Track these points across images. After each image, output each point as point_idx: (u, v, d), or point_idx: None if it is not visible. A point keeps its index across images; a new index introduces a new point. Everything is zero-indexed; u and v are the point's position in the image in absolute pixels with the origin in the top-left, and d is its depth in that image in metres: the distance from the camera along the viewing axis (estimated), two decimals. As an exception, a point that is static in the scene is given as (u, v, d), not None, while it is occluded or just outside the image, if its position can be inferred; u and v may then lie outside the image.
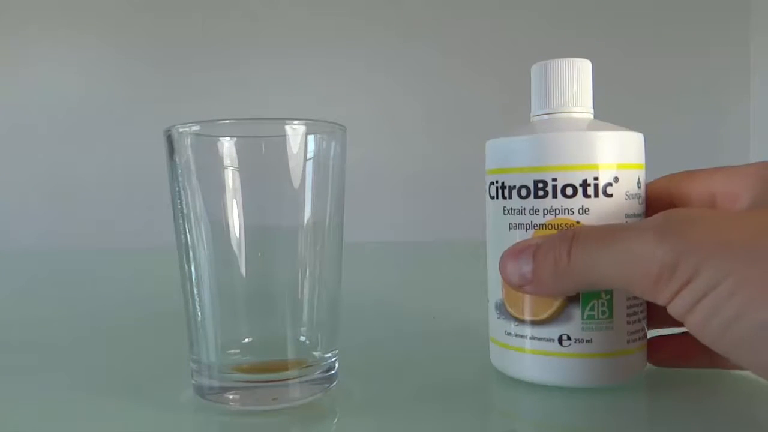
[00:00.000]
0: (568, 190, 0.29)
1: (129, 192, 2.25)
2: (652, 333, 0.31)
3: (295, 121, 0.28)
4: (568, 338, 0.29)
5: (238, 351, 0.29)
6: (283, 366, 0.29)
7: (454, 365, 0.34)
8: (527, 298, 0.30)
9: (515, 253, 0.28)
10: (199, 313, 0.29)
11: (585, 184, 0.28)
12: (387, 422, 0.27)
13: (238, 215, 0.28)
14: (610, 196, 0.29)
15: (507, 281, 0.28)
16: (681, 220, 0.24)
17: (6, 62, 2.26)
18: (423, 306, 0.56)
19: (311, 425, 0.28)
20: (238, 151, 0.28)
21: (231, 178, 0.28)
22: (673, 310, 0.23)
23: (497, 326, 0.31)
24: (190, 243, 0.29)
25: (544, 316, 0.29)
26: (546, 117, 0.31)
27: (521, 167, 0.30)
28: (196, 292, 0.29)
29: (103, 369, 0.36)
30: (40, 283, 0.77)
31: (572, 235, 0.26)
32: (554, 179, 0.29)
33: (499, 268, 0.28)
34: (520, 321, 0.30)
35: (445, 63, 2.38)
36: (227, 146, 0.28)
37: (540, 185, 0.29)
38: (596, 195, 0.29)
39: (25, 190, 2.26)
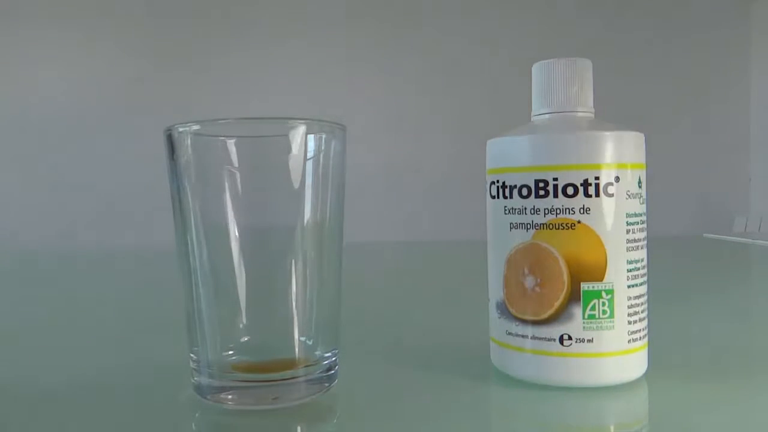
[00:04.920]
0: (569, 190, 0.29)
1: (129, 191, 2.25)
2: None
3: (295, 121, 0.28)
4: (569, 338, 0.29)
5: (238, 350, 0.29)
6: (283, 365, 0.28)
7: (454, 365, 0.34)
8: (529, 297, 0.30)
9: None
10: (199, 313, 0.29)
11: (586, 184, 0.28)
12: (387, 422, 0.27)
13: (238, 215, 0.28)
14: (611, 195, 0.29)
15: None
16: None
17: (6, 62, 2.26)
18: (423, 306, 0.55)
19: (311, 425, 0.28)
20: (238, 151, 0.28)
21: (231, 178, 0.28)
22: None
23: (498, 326, 0.31)
24: (190, 242, 0.29)
25: (545, 315, 0.29)
26: (547, 117, 0.31)
27: (522, 167, 0.30)
28: (196, 291, 0.29)
29: (103, 368, 0.36)
30: (40, 282, 0.77)
31: None
32: (555, 179, 0.29)
33: None
34: (521, 321, 0.30)
35: (445, 63, 2.38)
36: (227, 146, 0.28)
37: (541, 185, 0.29)
38: (597, 194, 0.29)
39: (25, 190, 2.26)
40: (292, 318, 0.29)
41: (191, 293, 0.29)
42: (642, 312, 0.30)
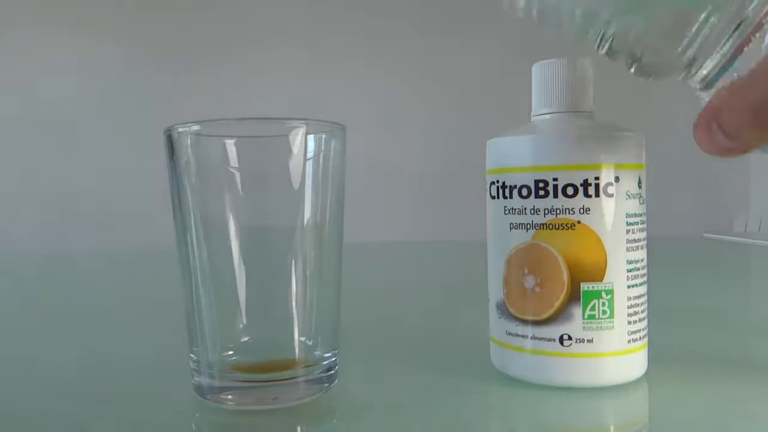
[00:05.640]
0: (569, 190, 0.29)
1: (129, 192, 2.25)
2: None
3: (295, 121, 0.28)
4: (569, 338, 0.29)
5: (238, 350, 0.29)
6: (283, 366, 0.29)
7: (454, 365, 0.34)
8: (529, 297, 0.30)
9: (702, 123, 0.24)
10: (199, 313, 0.29)
11: (586, 184, 0.28)
12: (387, 422, 0.27)
13: (238, 215, 0.28)
14: (611, 195, 0.29)
15: (713, 150, 0.24)
16: None
17: (5, 61, 2.26)
18: (423, 306, 0.56)
19: (311, 425, 0.28)
20: (238, 151, 0.28)
21: (231, 178, 0.28)
22: None
23: (498, 326, 0.31)
24: (190, 243, 0.29)
25: (545, 315, 0.29)
26: (547, 117, 0.31)
27: (522, 167, 0.30)
28: (196, 291, 0.29)
29: (103, 369, 0.36)
30: (41, 283, 0.77)
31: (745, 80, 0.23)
32: (555, 179, 0.29)
33: (698, 143, 0.24)
34: (521, 321, 0.30)
35: (445, 63, 2.38)
36: (227, 146, 0.28)
37: (541, 185, 0.29)
38: (597, 195, 0.29)
39: (24, 191, 2.26)
40: (292, 318, 0.29)
41: (191, 293, 0.29)
42: (642, 312, 0.30)
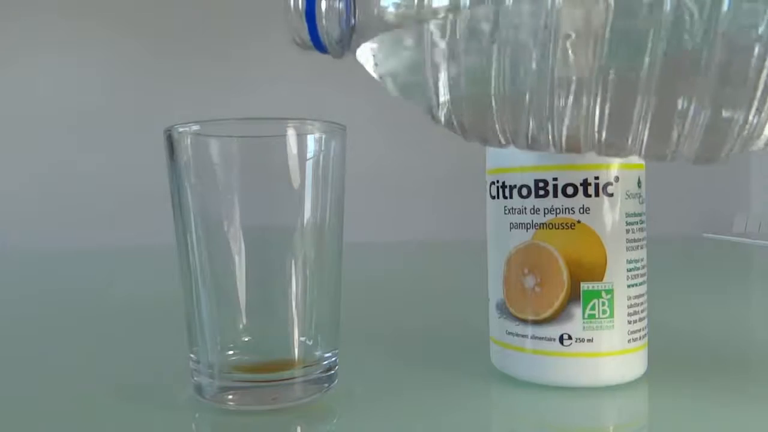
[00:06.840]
0: (569, 190, 0.29)
1: (129, 191, 2.25)
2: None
3: (295, 121, 0.28)
4: (569, 338, 0.29)
5: (238, 350, 0.29)
6: (283, 366, 0.28)
7: (454, 365, 0.34)
8: (529, 297, 0.30)
9: None
10: (199, 313, 0.29)
11: (585, 184, 0.28)
12: (387, 422, 0.27)
13: (238, 215, 0.28)
14: (611, 195, 0.29)
15: None
16: None
17: (5, 60, 2.26)
18: (423, 306, 0.56)
19: (311, 425, 0.28)
20: (238, 151, 0.28)
21: (231, 178, 0.28)
22: None
23: (498, 326, 0.31)
24: (189, 243, 0.29)
25: (545, 315, 0.29)
26: (546, 116, 0.31)
27: (522, 167, 0.30)
28: (195, 291, 0.29)
29: (103, 368, 0.36)
30: (40, 282, 0.77)
31: None
32: (555, 178, 0.29)
33: None
34: (521, 320, 0.30)
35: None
36: (227, 146, 0.28)
37: (541, 184, 0.29)
38: (597, 194, 0.29)
39: (24, 190, 2.26)
40: (293, 318, 0.29)
41: (191, 293, 0.29)
42: (642, 312, 0.30)
